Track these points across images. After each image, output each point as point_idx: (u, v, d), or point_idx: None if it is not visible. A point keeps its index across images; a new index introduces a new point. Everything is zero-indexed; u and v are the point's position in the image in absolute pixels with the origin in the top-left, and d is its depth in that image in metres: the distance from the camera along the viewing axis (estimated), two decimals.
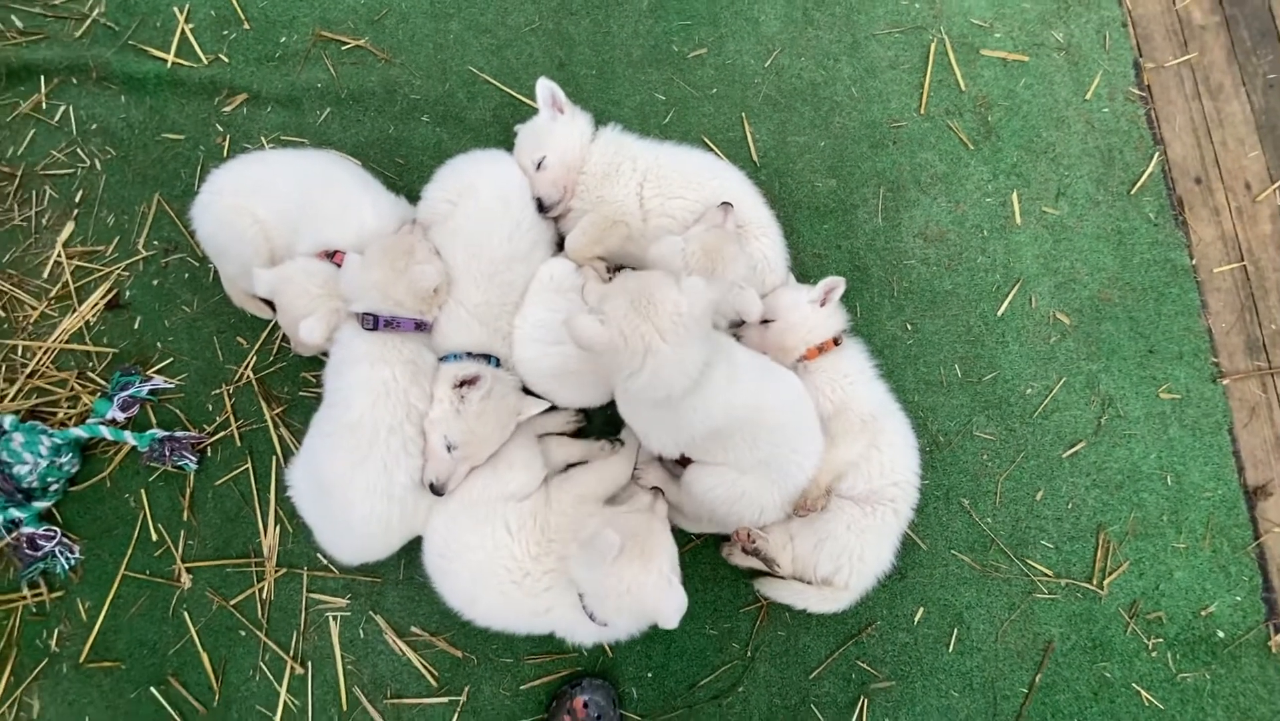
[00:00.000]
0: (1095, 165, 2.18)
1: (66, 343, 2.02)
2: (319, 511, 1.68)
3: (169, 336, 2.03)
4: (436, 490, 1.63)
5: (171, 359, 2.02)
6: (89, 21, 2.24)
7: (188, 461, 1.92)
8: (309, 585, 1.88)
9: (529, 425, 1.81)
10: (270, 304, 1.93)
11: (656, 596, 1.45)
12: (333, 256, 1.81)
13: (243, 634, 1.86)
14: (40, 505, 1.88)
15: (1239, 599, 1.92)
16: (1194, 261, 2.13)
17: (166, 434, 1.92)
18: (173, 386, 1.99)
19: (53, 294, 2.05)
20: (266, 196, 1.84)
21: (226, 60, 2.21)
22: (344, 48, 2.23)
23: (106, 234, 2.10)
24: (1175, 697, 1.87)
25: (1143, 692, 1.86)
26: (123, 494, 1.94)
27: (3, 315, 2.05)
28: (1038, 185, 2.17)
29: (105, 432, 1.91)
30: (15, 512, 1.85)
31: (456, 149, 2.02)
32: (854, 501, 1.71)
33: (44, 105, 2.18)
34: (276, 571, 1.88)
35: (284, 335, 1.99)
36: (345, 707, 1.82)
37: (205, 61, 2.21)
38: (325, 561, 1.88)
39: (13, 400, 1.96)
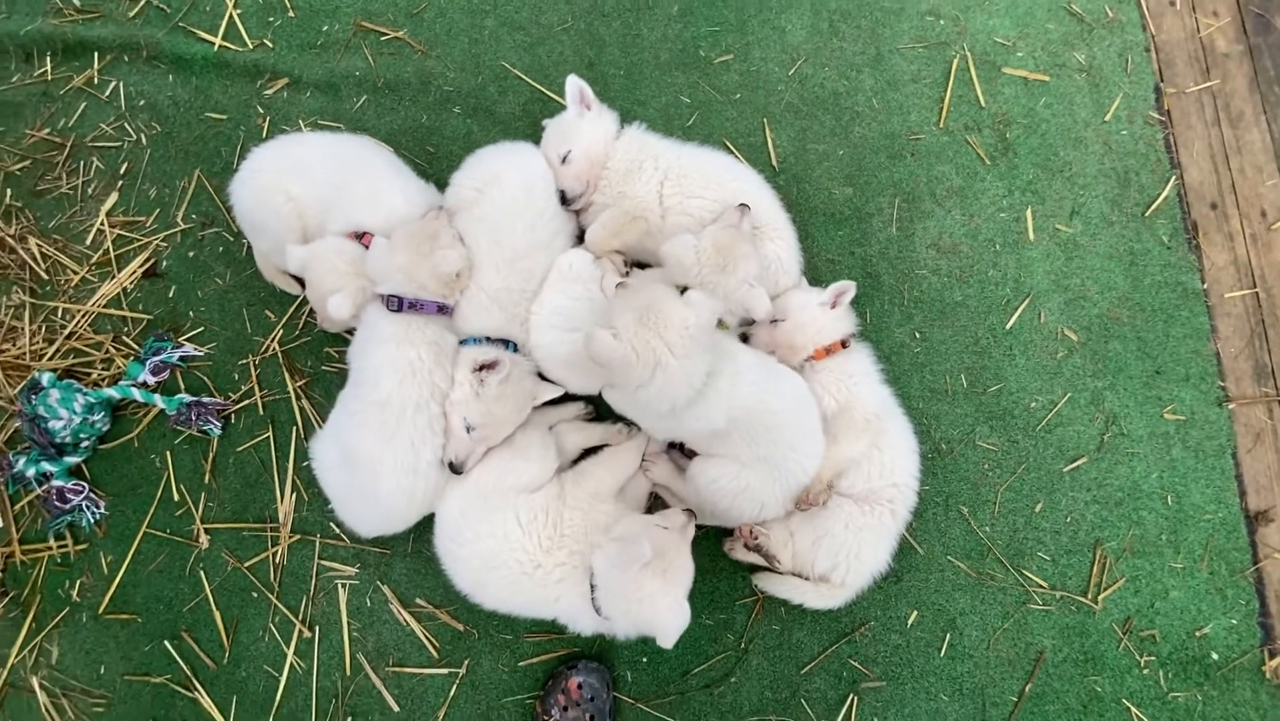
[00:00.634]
0: (1111, 186, 2.21)
1: (104, 307, 2.11)
2: (344, 484, 1.75)
3: (201, 306, 2.12)
4: (455, 468, 1.70)
5: (202, 328, 2.10)
6: (142, 3, 2.35)
7: (212, 426, 2.00)
8: (321, 553, 1.95)
9: (541, 418, 1.87)
10: (299, 280, 2.01)
11: (666, 615, 1.52)
12: (362, 238, 1.88)
13: (255, 595, 1.93)
14: (71, 460, 1.97)
15: (1234, 622, 1.93)
16: (1205, 285, 2.14)
17: (194, 399, 2.00)
18: (202, 354, 2.07)
19: (94, 260, 2.15)
20: (302, 176, 1.91)
21: (270, 45, 2.31)
22: (383, 38, 2.31)
23: (148, 205, 2.19)
24: (1165, 716, 1.88)
25: (1133, 709, 1.87)
26: (149, 454, 2.02)
27: (45, 278, 2.14)
28: (1052, 203, 2.20)
29: (136, 394, 1.99)
30: (47, 466, 1.94)
31: (485, 140, 2.10)
32: (853, 500, 1.74)
33: (96, 80, 2.29)
34: (290, 537, 1.95)
35: (310, 311, 2.06)
36: (349, 672, 1.88)
37: (250, 46, 2.30)
38: (337, 531, 1.95)
39: (51, 359, 2.06)
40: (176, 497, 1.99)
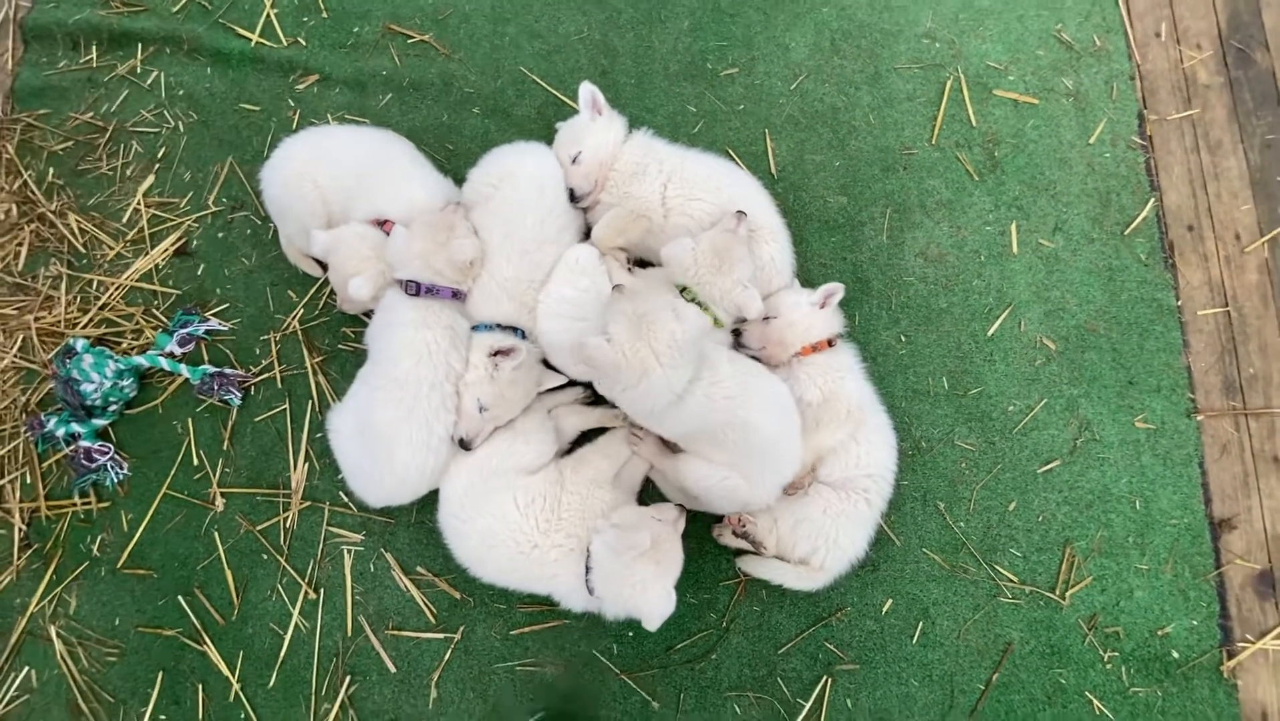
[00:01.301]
0: (1093, 205, 2.32)
1: (137, 281, 2.24)
2: (361, 455, 1.86)
3: (228, 284, 2.25)
4: (465, 444, 1.81)
5: (228, 304, 2.23)
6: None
7: (233, 396, 2.12)
8: (329, 519, 2.06)
9: (541, 403, 1.99)
10: (322, 264, 2.14)
11: (655, 602, 1.64)
12: (383, 225, 2.01)
13: (265, 557, 2.04)
14: (99, 422, 2.09)
15: (1195, 623, 2.02)
16: (1179, 302, 2.25)
17: (217, 370, 2.12)
18: (226, 329, 2.20)
19: (129, 237, 2.28)
20: (329, 166, 2.05)
21: (304, 43, 2.45)
22: (409, 41, 2.46)
23: (182, 188, 2.33)
24: (1126, 710, 1.96)
25: (1095, 701, 1.96)
26: (171, 420, 2.14)
27: (83, 252, 2.28)
28: (1036, 219, 2.31)
29: (163, 363, 2.11)
30: (76, 427, 2.06)
31: (502, 139, 2.22)
32: (831, 487, 1.85)
33: (138, 70, 2.43)
34: (301, 504, 2.06)
35: (330, 292, 2.19)
36: (350, 633, 1.99)
37: (285, 43, 2.45)
38: (346, 499, 2.06)
39: (84, 327, 2.19)
40: (196, 462, 2.10)
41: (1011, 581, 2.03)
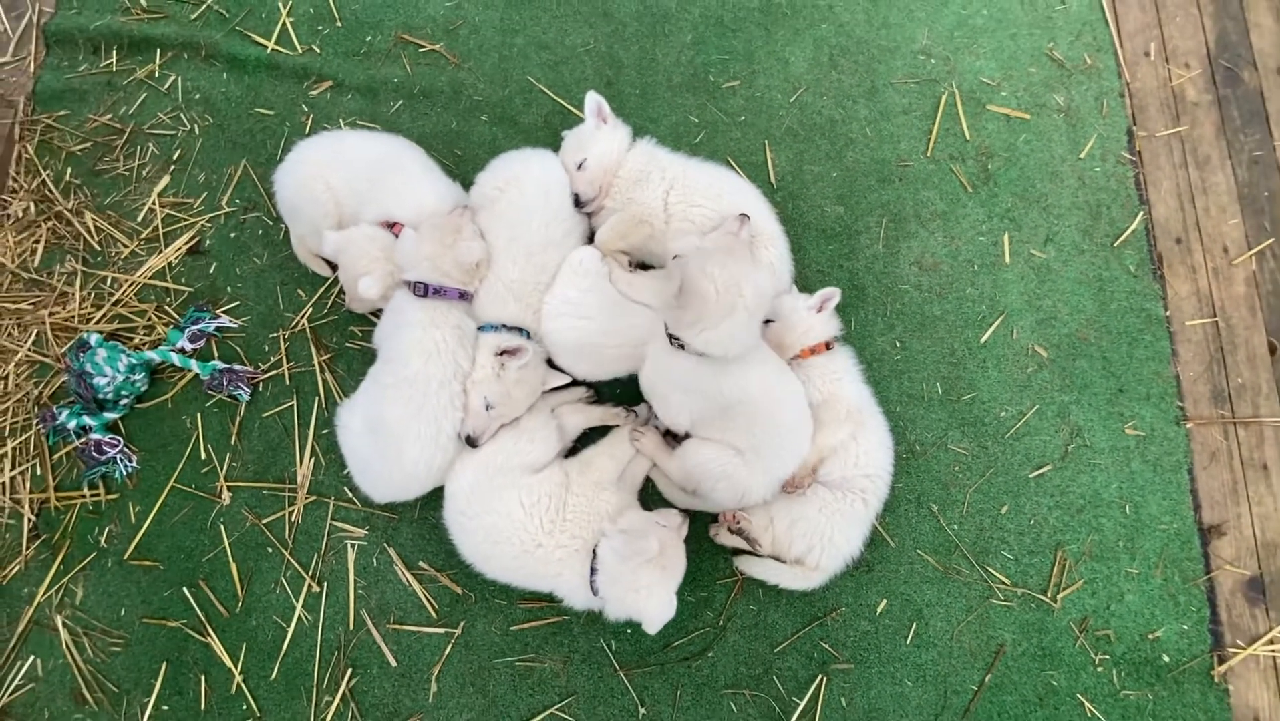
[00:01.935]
0: (1083, 217, 2.38)
1: (150, 278, 2.29)
2: (370, 451, 1.90)
3: (239, 282, 2.30)
4: (471, 441, 1.85)
5: (238, 302, 2.28)
6: (204, 7, 2.57)
7: (241, 392, 2.16)
8: (333, 514, 2.09)
9: (545, 401, 2.03)
10: (331, 264, 2.19)
11: (657, 606, 1.69)
12: (392, 227, 2.07)
13: (269, 551, 2.08)
14: (110, 415, 2.13)
15: (1185, 627, 2.05)
16: (1168, 313, 2.30)
17: (226, 366, 2.17)
18: (236, 326, 2.25)
19: (143, 235, 2.34)
20: (341, 169, 2.11)
21: (318, 51, 2.53)
22: (421, 50, 2.53)
23: (196, 189, 2.39)
24: (1117, 712, 1.99)
25: (1086, 703, 1.99)
26: (181, 415, 2.18)
27: (98, 249, 2.33)
28: (1028, 230, 2.37)
29: (174, 359, 2.16)
30: (87, 419, 2.10)
31: (509, 146, 2.29)
32: (828, 487, 1.89)
33: (156, 74, 2.50)
34: (306, 499, 2.10)
35: (339, 292, 2.24)
36: (352, 627, 2.01)
37: (300, 51, 2.52)
38: (350, 494, 2.10)
39: (98, 322, 2.24)
40: (204, 456, 2.14)
41: (1004, 584, 2.07)
